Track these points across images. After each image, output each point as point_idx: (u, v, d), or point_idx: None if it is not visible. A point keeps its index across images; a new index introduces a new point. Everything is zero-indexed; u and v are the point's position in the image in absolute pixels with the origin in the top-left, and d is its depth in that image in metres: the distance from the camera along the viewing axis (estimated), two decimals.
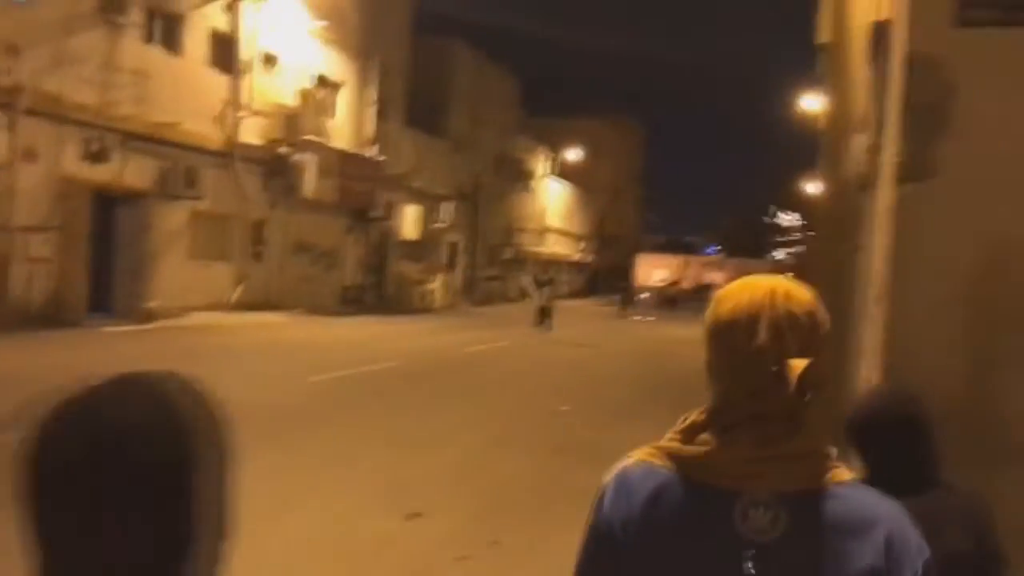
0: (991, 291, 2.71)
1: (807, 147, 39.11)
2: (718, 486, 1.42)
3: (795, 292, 1.48)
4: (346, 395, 12.91)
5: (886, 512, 1.42)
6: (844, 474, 1.44)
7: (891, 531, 1.40)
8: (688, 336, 29.59)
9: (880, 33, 3.69)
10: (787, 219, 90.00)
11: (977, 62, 2.74)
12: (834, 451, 1.44)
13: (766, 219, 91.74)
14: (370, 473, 8.63)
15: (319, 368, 14.94)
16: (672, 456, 1.48)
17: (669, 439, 1.50)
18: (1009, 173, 2.69)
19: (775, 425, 1.42)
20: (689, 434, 1.48)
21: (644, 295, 41.02)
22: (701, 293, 54.06)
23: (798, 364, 1.40)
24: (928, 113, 2.74)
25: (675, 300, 50.54)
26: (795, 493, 1.40)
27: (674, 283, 61.74)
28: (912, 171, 2.75)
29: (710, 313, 1.52)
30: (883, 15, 3.74)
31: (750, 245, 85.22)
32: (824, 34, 16.15)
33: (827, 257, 4.79)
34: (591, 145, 60.04)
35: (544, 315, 26.23)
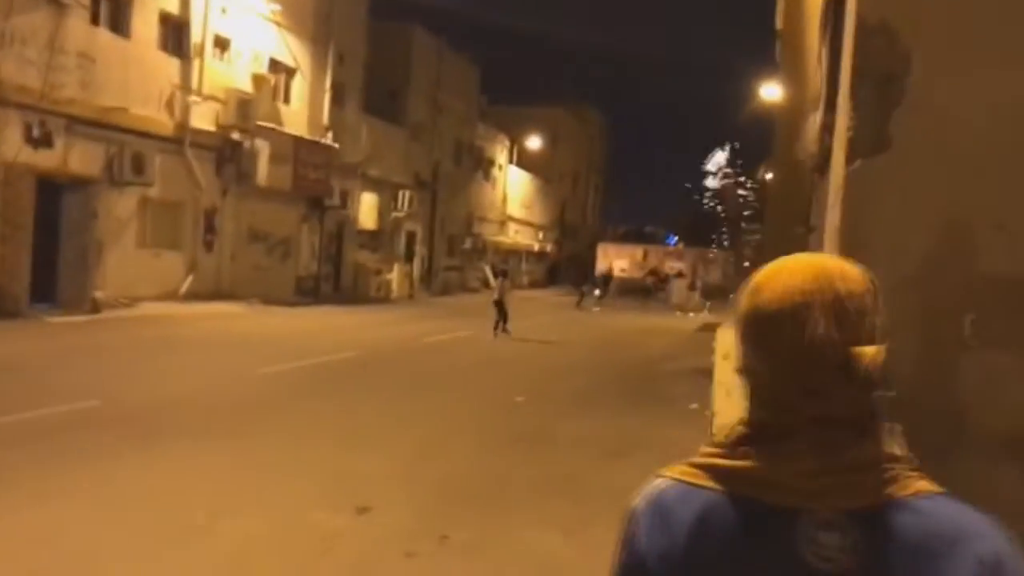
0: (945, 274, 2.57)
1: (766, 135, 39.32)
2: (776, 506, 1.20)
3: (848, 269, 1.28)
4: (297, 387, 12.65)
5: (981, 528, 1.20)
6: (925, 484, 1.22)
7: (987, 551, 1.17)
8: (643, 325, 29.69)
9: (834, 5, 3.55)
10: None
11: (933, 29, 2.59)
12: (911, 457, 1.24)
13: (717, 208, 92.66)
14: (319, 467, 8.42)
15: (270, 360, 14.65)
16: (716, 473, 1.25)
17: (708, 454, 1.28)
18: (966, 148, 2.56)
19: (841, 430, 1.21)
20: (733, 447, 1.26)
21: (596, 291, 40.97)
22: (663, 283, 54.22)
23: (864, 353, 1.20)
24: (881, 84, 2.60)
25: (649, 291, 50.29)
26: (868, 509, 1.19)
27: (653, 272, 61.41)
28: (864, 146, 2.61)
29: (746, 304, 1.30)
30: None
31: (708, 234, 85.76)
32: (781, 19, 16.12)
33: (781, 241, 4.66)
34: (551, 134, 59.92)
35: (499, 312, 22.51)
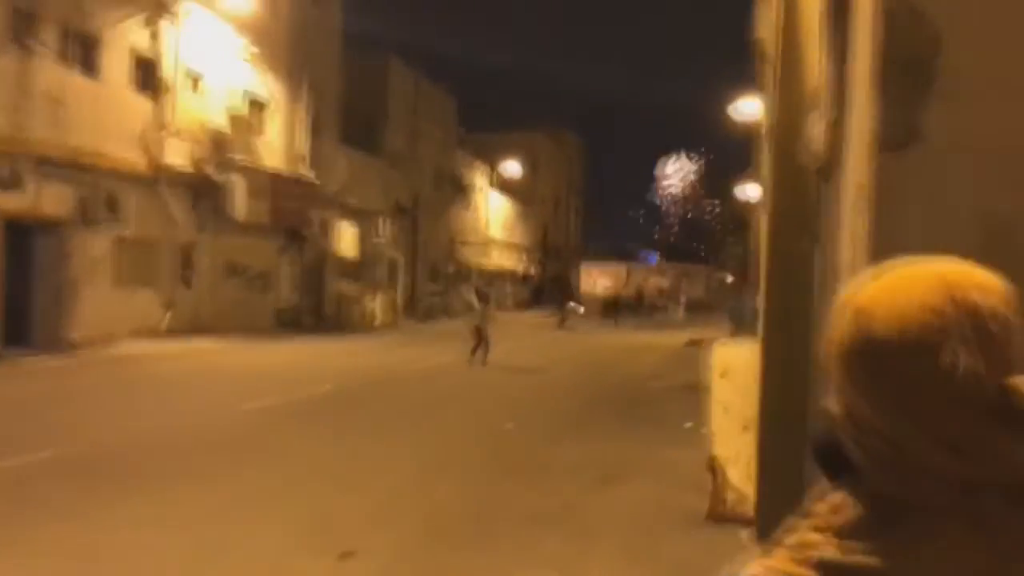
0: None
1: (741, 151, 39.24)
2: None
3: (982, 278, 1.00)
4: (279, 424, 12.20)
5: None
6: None
7: None
8: (628, 343, 29.32)
9: None
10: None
11: (965, 10, 2.24)
12: None
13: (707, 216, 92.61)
14: (301, 509, 7.99)
15: (250, 395, 14.19)
16: (831, 570, 0.94)
17: (810, 536, 0.96)
18: (1007, 139, 2.21)
19: (1007, 502, 0.91)
20: (849, 533, 0.94)
21: (581, 308, 40.65)
22: (643, 301, 54.02)
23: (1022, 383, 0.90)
24: (909, 69, 2.25)
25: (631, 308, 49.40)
26: None
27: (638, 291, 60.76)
28: (892, 138, 2.26)
29: (850, 331, 1.00)
30: None
31: (689, 250, 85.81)
32: (763, 28, 15.86)
33: (781, 255, 4.30)
34: (530, 158, 59.87)
35: (480, 339, 20.62)
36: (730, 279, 69.53)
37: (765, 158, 13.90)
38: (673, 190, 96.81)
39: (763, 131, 15.41)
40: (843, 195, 3.15)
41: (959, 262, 1.03)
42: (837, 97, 3.25)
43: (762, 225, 13.49)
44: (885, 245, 2.39)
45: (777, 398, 4.69)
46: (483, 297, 23.74)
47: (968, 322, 0.94)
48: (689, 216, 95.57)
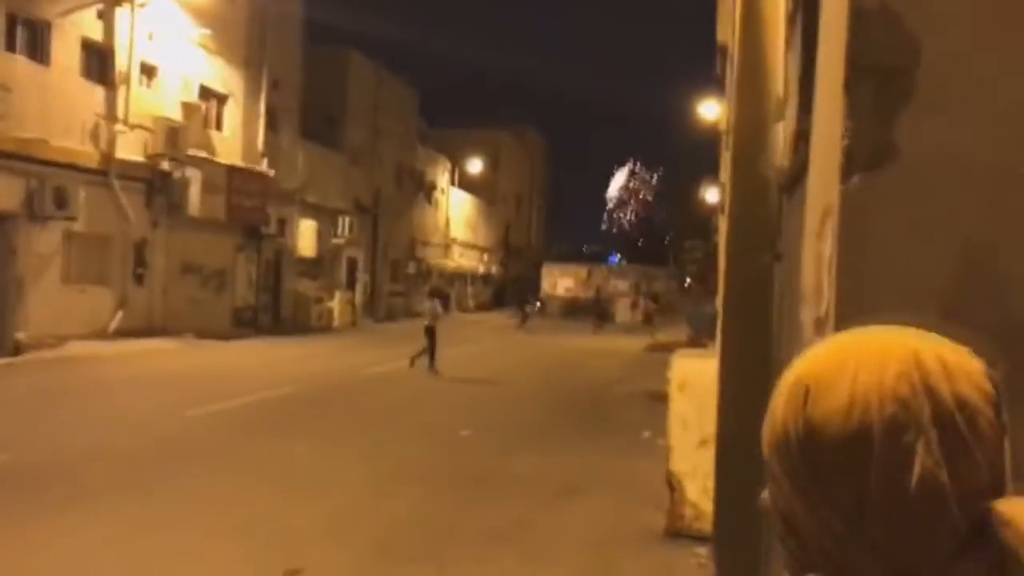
0: (969, 316, 2.02)
1: (704, 154, 39.39)
2: None
3: (950, 357, 0.83)
4: (227, 430, 11.86)
5: None
6: None
7: None
8: (589, 346, 29.18)
9: None
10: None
11: (947, 11, 2.05)
12: None
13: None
14: (249, 522, 7.70)
15: (203, 399, 13.83)
16: None
17: None
18: (990, 158, 2.02)
19: None
20: None
21: (537, 304, 40.53)
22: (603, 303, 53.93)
23: (1005, 516, 0.75)
24: (883, 80, 2.05)
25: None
26: None
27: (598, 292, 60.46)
28: (863, 157, 2.06)
29: (791, 418, 0.84)
30: None
31: (651, 252, 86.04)
32: (729, 28, 15.79)
33: (741, 269, 4.11)
34: (493, 156, 59.67)
35: (429, 341, 19.05)
36: (688, 283, 69.79)
37: (725, 164, 13.82)
38: (620, 200, 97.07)
39: (724, 136, 15.36)
40: (808, 213, 2.95)
41: (931, 337, 0.86)
42: (803, 107, 3.05)
43: (722, 235, 13.40)
44: (853, 273, 2.19)
45: (735, 414, 4.51)
46: (435, 295, 22.04)
47: (933, 417, 0.78)
48: (633, 219, 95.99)
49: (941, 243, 2.12)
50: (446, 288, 28.45)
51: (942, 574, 0.76)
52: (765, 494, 0.91)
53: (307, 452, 10.62)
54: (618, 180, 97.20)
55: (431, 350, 18.81)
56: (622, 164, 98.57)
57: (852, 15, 2.18)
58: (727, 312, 4.32)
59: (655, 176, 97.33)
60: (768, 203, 3.94)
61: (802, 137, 3.09)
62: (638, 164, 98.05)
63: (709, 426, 7.10)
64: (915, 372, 0.80)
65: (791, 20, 3.40)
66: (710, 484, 7.11)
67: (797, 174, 3.34)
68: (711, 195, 40.17)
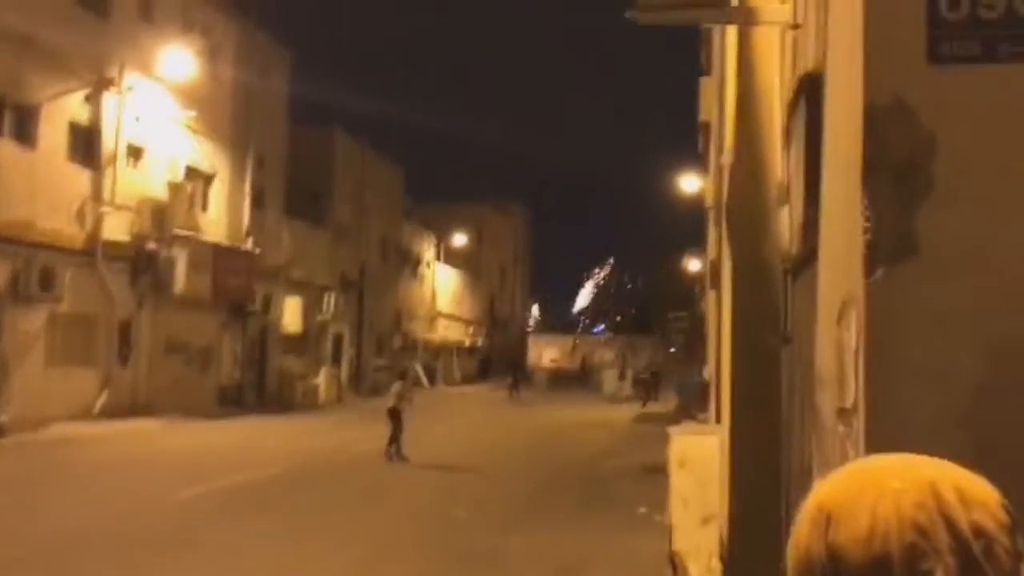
0: (1001, 406, 2.01)
1: (689, 225, 39.78)
2: None
3: (967, 485, 0.85)
4: (217, 514, 11.63)
5: None
6: None
7: None
8: (578, 418, 29.00)
9: (810, 87, 3.08)
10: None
11: (961, 105, 2.09)
12: None
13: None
14: None
15: (189, 481, 13.59)
16: None
17: None
18: (1012, 248, 2.04)
19: None
20: None
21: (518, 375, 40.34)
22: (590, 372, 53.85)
23: None
24: (901, 175, 2.08)
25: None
26: None
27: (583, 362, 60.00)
28: (886, 250, 2.07)
29: (815, 544, 0.87)
30: (812, 65, 3.14)
31: (636, 322, 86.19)
32: (707, 109, 16.10)
33: (749, 351, 4.12)
34: (476, 230, 60.06)
35: (393, 425, 17.33)
36: (672, 351, 69.83)
37: (713, 239, 13.95)
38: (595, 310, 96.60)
39: (708, 209, 15.55)
40: (822, 299, 2.96)
41: (948, 467, 0.88)
42: (809, 196, 3.09)
43: (712, 308, 13.51)
44: (881, 366, 2.19)
45: (748, 493, 4.46)
46: (403, 375, 20.20)
47: (951, 545, 0.81)
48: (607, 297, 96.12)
49: (970, 334, 2.12)
50: (409, 366, 27.59)
51: None
52: None
53: (299, 535, 10.42)
54: (586, 292, 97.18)
55: (395, 435, 17.16)
56: (589, 276, 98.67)
57: (867, 110, 2.22)
58: (736, 393, 4.31)
59: (628, 278, 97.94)
60: (773, 286, 3.97)
61: (809, 225, 3.12)
62: (602, 272, 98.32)
63: (711, 504, 7.04)
64: (932, 501, 0.83)
65: (791, 109, 3.46)
66: (714, 563, 7.02)
67: (805, 260, 3.37)
68: (694, 265, 40.42)
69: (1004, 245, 2.13)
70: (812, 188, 3.12)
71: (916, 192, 2.16)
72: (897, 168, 2.18)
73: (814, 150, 3.07)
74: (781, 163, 3.93)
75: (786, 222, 3.79)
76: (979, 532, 0.82)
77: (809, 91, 3.08)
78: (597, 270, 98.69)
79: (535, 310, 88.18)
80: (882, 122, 2.20)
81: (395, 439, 16.98)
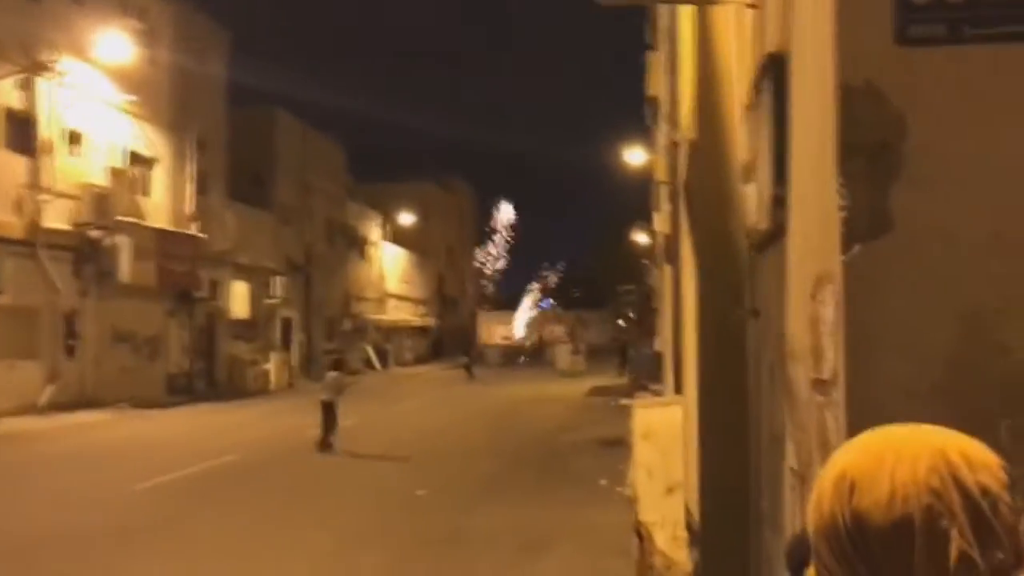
0: (974, 375, 2.13)
1: (636, 198, 40.06)
2: None
3: (972, 451, 0.95)
4: (176, 503, 11.55)
5: None
6: None
7: None
8: (533, 394, 29.21)
9: (774, 67, 3.16)
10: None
11: (928, 89, 2.18)
12: None
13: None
14: None
15: (145, 473, 13.46)
16: None
17: None
18: (981, 225, 2.15)
19: None
20: None
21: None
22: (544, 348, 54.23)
23: None
24: (874, 155, 2.17)
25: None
26: None
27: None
28: (861, 228, 2.17)
29: (837, 507, 0.95)
30: (776, 45, 3.22)
31: (584, 297, 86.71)
32: (655, 84, 16.23)
33: (715, 323, 4.22)
34: (422, 208, 59.78)
35: (325, 417, 16.11)
36: (621, 323, 70.50)
37: (663, 213, 14.10)
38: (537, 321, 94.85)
39: (660, 183, 15.69)
40: (793, 275, 3.06)
41: (952, 434, 0.97)
42: (777, 174, 3.18)
43: (665, 280, 13.69)
44: (860, 338, 2.29)
45: (717, 463, 4.60)
46: (338, 364, 18.62)
47: (963, 504, 0.90)
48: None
49: (944, 307, 2.23)
50: (343, 353, 26.27)
51: None
52: (810, 572, 1.01)
53: (260, 521, 10.40)
54: (525, 308, 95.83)
55: (326, 426, 15.98)
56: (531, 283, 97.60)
57: (839, 92, 2.31)
58: (703, 365, 4.42)
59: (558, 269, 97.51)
60: (738, 261, 4.07)
61: (778, 202, 3.21)
62: (544, 280, 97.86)
63: (675, 474, 7.19)
64: (944, 466, 0.92)
65: (755, 89, 3.54)
66: (680, 532, 7.18)
67: (772, 236, 3.46)
68: (642, 238, 40.77)
69: (971, 220, 2.23)
70: (779, 167, 3.21)
71: (888, 171, 2.25)
72: (870, 148, 2.27)
73: (781, 130, 3.16)
74: (743, 142, 4.02)
75: (751, 199, 3.89)
76: (985, 491, 0.91)
77: (774, 71, 3.17)
78: (538, 280, 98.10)
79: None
80: (854, 103, 2.29)
81: (328, 431, 15.89)
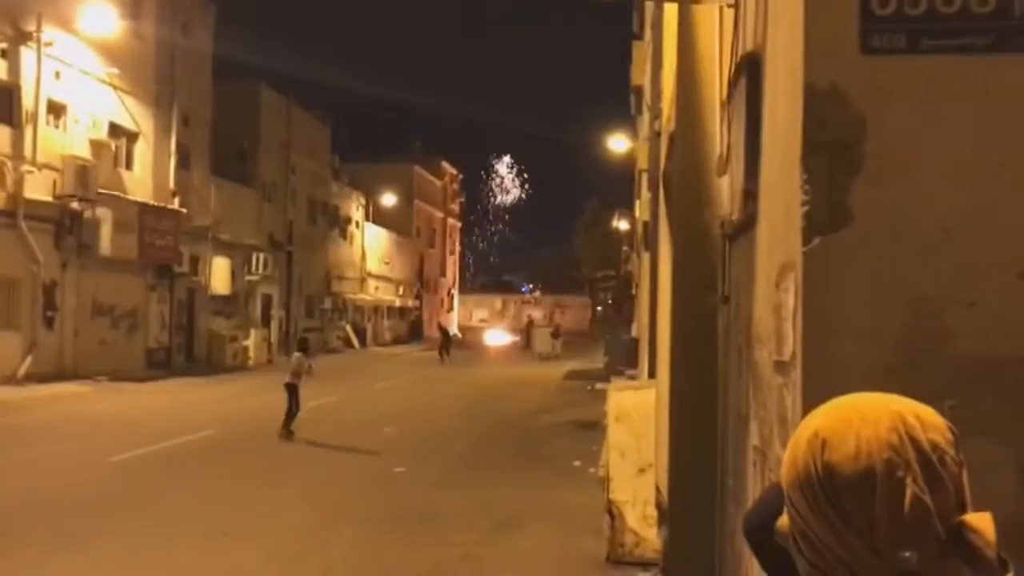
0: (921, 358, 2.33)
1: (618, 183, 40.27)
2: None
3: (924, 413, 1.12)
4: (154, 475, 11.68)
5: None
6: None
7: None
8: (510, 376, 29.43)
9: (750, 67, 3.33)
10: None
11: (888, 92, 2.36)
12: None
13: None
14: (186, 569, 7.65)
15: (123, 445, 13.57)
16: None
17: None
18: (930, 219, 2.35)
19: None
20: None
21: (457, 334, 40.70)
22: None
23: (975, 525, 1.06)
24: (836, 153, 2.36)
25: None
26: None
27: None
28: (821, 221, 2.35)
29: (810, 461, 1.10)
30: (752, 46, 3.39)
31: (564, 281, 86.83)
32: (639, 73, 16.38)
33: (690, 309, 4.41)
34: (406, 188, 59.74)
35: (289, 399, 15.33)
36: (599, 310, 70.81)
37: (644, 202, 14.27)
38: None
39: (642, 171, 15.88)
40: (760, 264, 3.25)
41: (908, 401, 1.13)
42: (749, 169, 3.36)
43: (644, 266, 13.89)
44: (820, 325, 2.47)
45: (685, 442, 4.78)
46: (302, 345, 17.44)
47: (917, 458, 1.05)
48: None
49: (894, 295, 2.42)
50: (310, 335, 24.04)
51: (932, 570, 1.04)
52: (783, 520, 1.17)
53: (238, 495, 10.55)
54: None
55: (289, 410, 15.25)
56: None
57: (807, 94, 2.48)
58: (675, 348, 4.60)
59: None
60: (712, 249, 4.25)
61: (749, 195, 3.39)
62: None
63: (647, 455, 7.40)
64: (901, 426, 1.08)
65: (732, 87, 3.71)
66: (649, 511, 7.40)
67: (743, 226, 3.64)
68: (623, 225, 40.97)
69: (923, 216, 2.42)
70: (751, 161, 3.38)
71: (849, 169, 2.44)
72: (833, 147, 2.45)
73: (754, 126, 3.33)
74: (720, 135, 4.19)
75: (726, 191, 4.06)
76: (935, 447, 1.07)
77: (749, 71, 3.34)
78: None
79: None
80: (820, 105, 2.46)
81: (289, 416, 15.17)
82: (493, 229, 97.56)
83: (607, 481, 7.79)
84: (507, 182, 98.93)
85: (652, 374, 9.43)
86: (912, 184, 2.41)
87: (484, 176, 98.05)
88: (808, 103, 2.47)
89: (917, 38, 2.46)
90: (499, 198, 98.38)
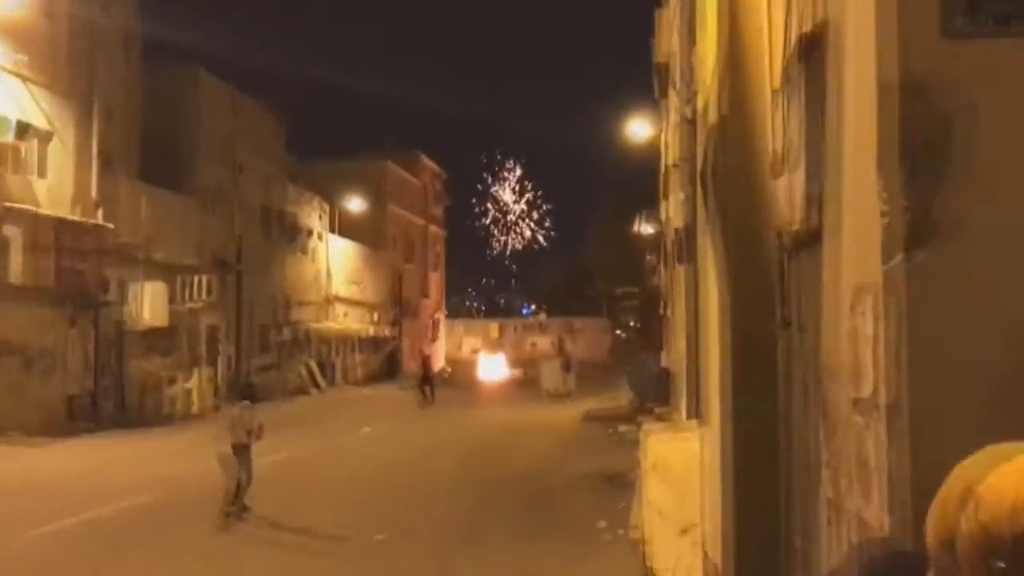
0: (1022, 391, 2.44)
1: (639, 181, 40.44)
2: None
3: None
4: (78, 555, 11.76)
5: None
6: None
7: None
8: (515, 421, 29.47)
9: (811, 49, 3.47)
10: None
11: (977, 84, 2.49)
12: None
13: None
14: None
15: (44, 516, 13.64)
16: None
17: None
18: None
19: None
20: None
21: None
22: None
23: None
24: (920, 156, 2.47)
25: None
26: None
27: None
28: (905, 234, 2.47)
29: (965, 521, 1.23)
30: (813, 22, 3.52)
31: (576, 300, 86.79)
32: (663, 50, 16.50)
33: (749, 339, 4.53)
34: (376, 189, 59.55)
35: (240, 464, 13.85)
36: (621, 334, 70.95)
37: (676, 202, 14.38)
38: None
39: (672, 165, 16.01)
40: (830, 285, 3.37)
41: None
42: (811, 172, 3.48)
43: (679, 282, 13.96)
44: (918, 356, 2.56)
45: (744, 497, 4.88)
46: (245, 392, 15.71)
47: None
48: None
49: (992, 321, 2.52)
50: (253, 382, 22.17)
51: None
52: None
53: (186, 573, 10.60)
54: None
55: (241, 481, 13.85)
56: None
57: (879, 85, 2.60)
58: (729, 385, 4.71)
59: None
60: (769, 264, 4.37)
61: (813, 202, 3.51)
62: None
63: (691, 513, 7.50)
64: None
65: (787, 73, 3.84)
66: None
67: (807, 239, 3.76)
68: (646, 229, 41.10)
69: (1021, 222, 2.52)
70: (814, 162, 3.51)
71: (934, 174, 2.55)
72: (914, 149, 2.56)
73: (816, 120, 3.46)
74: (773, 129, 4.32)
75: (783, 195, 4.19)
76: None
77: (809, 55, 3.47)
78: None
79: None
80: (897, 101, 2.58)
81: (239, 489, 13.76)
82: (515, 233, 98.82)
83: (643, 545, 7.88)
84: (512, 183, 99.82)
85: (692, 413, 9.54)
86: (1009, 189, 2.52)
87: (490, 179, 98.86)
88: (883, 95, 2.60)
89: (1007, 19, 2.58)
90: (509, 200, 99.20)
